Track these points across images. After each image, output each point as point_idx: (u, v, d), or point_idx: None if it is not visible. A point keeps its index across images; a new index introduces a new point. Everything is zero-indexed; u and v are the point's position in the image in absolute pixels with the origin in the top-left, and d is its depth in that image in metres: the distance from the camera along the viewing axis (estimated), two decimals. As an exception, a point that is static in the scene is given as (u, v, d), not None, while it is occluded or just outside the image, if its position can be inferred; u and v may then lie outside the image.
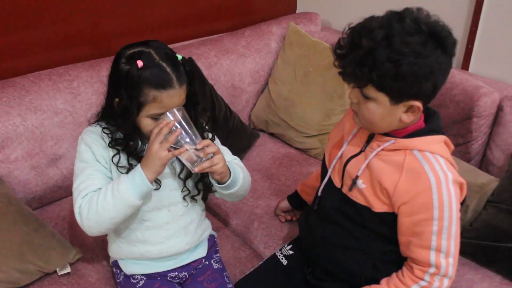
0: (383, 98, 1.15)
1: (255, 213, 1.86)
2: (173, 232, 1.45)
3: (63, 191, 1.85)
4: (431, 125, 1.26)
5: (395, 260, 1.33)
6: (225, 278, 1.53)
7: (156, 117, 1.26)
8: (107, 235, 1.51)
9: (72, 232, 1.71)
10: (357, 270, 1.37)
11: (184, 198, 1.44)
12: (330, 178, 1.40)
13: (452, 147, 1.29)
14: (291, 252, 1.57)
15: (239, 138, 2.13)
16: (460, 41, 2.20)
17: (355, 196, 1.31)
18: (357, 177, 1.29)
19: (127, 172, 1.31)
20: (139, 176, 1.25)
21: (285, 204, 1.79)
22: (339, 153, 1.37)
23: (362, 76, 1.12)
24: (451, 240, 1.21)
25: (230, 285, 1.51)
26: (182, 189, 1.43)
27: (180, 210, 1.44)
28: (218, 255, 1.60)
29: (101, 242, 1.65)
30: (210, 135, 1.47)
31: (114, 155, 1.33)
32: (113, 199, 1.25)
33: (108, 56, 1.97)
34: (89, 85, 1.84)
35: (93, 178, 1.31)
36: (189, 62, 1.33)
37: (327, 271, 1.44)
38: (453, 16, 2.06)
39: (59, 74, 1.83)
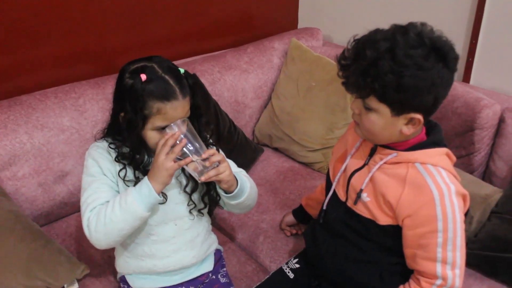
0: (384, 109, 1.17)
1: (260, 227, 1.87)
2: (179, 246, 1.45)
3: (69, 208, 1.86)
4: (432, 137, 1.28)
5: (402, 272, 1.33)
6: None
7: (161, 129, 1.29)
8: (114, 250, 1.52)
9: (80, 248, 1.72)
10: (363, 282, 1.37)
11: (190, 212, 1.45)
12: (334, 191, 1.42)
13: (454, 159, 1.30)
14: (297, 265, 1.57)
15: (244, 153, 2.14)
16: (461, 53, 2.21)
17: (359, 209, 1.32)
18: (361, 190, 1.30)
19: (134, 186, 1.32)
20: (146, 187, 1.26)
21: (290, 218, 1.80)
22: (343, 167, 1.39)
23: (365, 86, 1.14)
24: (457, 252, 1.21)
25: None
26: (188, 203, 1.44)
27: (186, 224, 1.45)
28: (224, 269, 1.61)
29: (108, 258, 1.66)
30: (214, 148, 1.47)
31: (120, 170, 1.35)
32: (121, 211, 1.26)
33: (113, 73, 1.97)
34: (94, 102, 1.86)
35: (100, 191, 1.33)
36: (191, 76, 1.35)
37: (334, 283, 1.44)
38: (453, 29, 2.08)
39: (65, 91, 1.85)
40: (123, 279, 1.52)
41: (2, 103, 1.75)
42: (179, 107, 1.28)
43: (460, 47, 2.19)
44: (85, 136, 1.83)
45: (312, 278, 1.52)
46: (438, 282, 1.24)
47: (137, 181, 1.34)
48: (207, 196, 1.47)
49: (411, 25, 1.15)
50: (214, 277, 1.56)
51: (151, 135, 1.30)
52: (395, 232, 1.27)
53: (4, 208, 1.55)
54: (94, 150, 1.38)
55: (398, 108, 1.17)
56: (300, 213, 1.76)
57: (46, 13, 1.87)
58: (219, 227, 1.94)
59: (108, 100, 1.85)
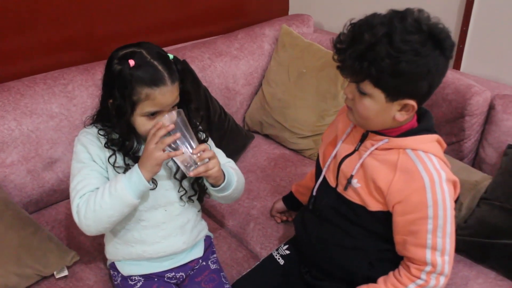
0: (379, 94, 1.17)
1: (251, 214, 1.87)
2: (169, 231, 1.45)
3: (59, 195, 1.85)
4: (423, 124, 1.28)
5: (391, 259, 1.34)
6: (223, 279, 1.54)
7: (150, 115, 1.29)
8: (103, 237, 1.52)
9: (69, 235, 1.71)
10: (353, 268, 1.38)
11: (180, 198, 1.45)
12: (324, 177, 1.42)
13: (445, 145, 1.31)
14: (287, 252, 1.58)
15: (234, 139, 2.13)
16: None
17: (350, 195, 1.32)
18: (351, 176, 1.30)
19: (124, 172, 1.32)
20: (136, 175, 1.26)
21: (280, 205, 1.80)
22: (333, 153, 1.39)
23: (361, 70, 1.14)
24: (447, 238, 1.22)
25: (227, 286, 1.52)
26: (179, 189, 1.44)
27: (176, 209, 1.45)
28: (215, 255, 1.61)
29: (98, 245, 1.66)
30: (204, 135, 1.48)
31: (110, 156, 1.35)
32: (111, 198, 1.26)
33: (102, 59, 1.96)
34: (84, 89, 1.85)
35: (90, 177, 1.33)
36: (180, 62, 1.35)
37: (324, 270, 1.45)
38: (444, 16, 2.06)
39: (54, 78, 1.83)
40: (113, 266, 1.52)
41: (-10, 89, 1.74)
42: (168, 92, 1.27)
43: (451, 34, 2.19)
44: (74, 123, 1.81)
45: (302, 264, 1.53)
46: (428, 268, 1.24)
47: (127, 168, 1.34)
48: (196, 184, 1.47)
49: (408, 10, 1.14)
50: (204, 263, 1.56)
51: (140, 121, 1.30)
52: (385, 218, 1.28)
53: (-8, 195, 1.54)
54: (83, 136, 1.38)
55: (393, 94, 1.16)
56: (290, 200, 1.76)
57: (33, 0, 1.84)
58: (210, 214, 1.94)
59: (97, 86, 1.84)
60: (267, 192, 1.98)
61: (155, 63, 1.27)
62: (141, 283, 1.47)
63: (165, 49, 1.36)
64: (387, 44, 1.09)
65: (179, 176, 1.42)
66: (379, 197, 1.26)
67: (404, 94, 1.16)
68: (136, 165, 1.28)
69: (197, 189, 1.48)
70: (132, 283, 1.47)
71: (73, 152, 1.38)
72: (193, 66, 2.10)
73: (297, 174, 2.06)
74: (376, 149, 1.27)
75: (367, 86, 1.17)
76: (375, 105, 1.19)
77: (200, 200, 1.54)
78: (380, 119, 1.22)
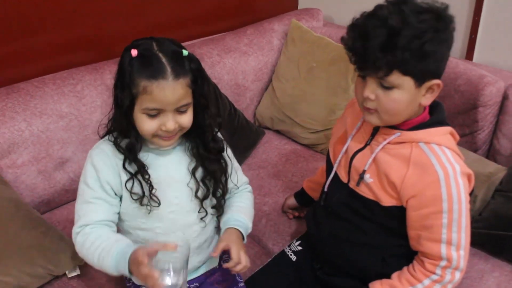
0: (408, 82, 1.14)
1: (262, 211, 1.86)
2: None
3: (70, 194, 1.85)
4: (435, 116, 1.25)
5: (405, 254, 1.32)
6: (237, 277, 1.51)
7: (151, 114, 1.19)
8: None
9: (81, 234, 1.71)
10: (366, 265, 1.36)
11: (201, 219, 1.38)
12: (336, 173, 1.40)
13: (458, 138, 1.29)
14: (299, 248, 1.57)
15: (245, 136, 2.13)
16: (463, 31, 2.18)
17: (362, 190, 1.30)
18: (364, 171, 1.28)
19: (140, 201, 1.28)
20: (124, 270, 1.19)
21: (292, 201, 1.79)
22: (344, 148, 1.37)
23: (387, 62, 1.11)
24: (462, 233, 1.20)
25: (241, 283, 1.50)
26: (199, 210, 1.37)
27: (194, 232, 1.39)
28: (226, 255, 1.59)
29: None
30: (222, 144, 1.39)
31: (127, 180, 1.27)
32: (99, 264, 1.24)
33: (112, 58, 1.97)
34: (93, 88, 1.85)
35: (93, 206, 1.28)
36: (195, 60, 1.24)
37: (337, 266, 1.43)
38: (456, 6, 2.04)
39: (63, 78, 1.84)
40: (126, 269, 1.50)
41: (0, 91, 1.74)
42: (168, 88, 1.16)
43: (463, 24, 2.16)
44: (84, 122, 1.81)
45: (315, 261, 1.51)
46: (443, 263, 1.22)
47: (143, 196, 1.27)
48: (217, 202, 1.41)
49: None
50: (216, 266, 1.53)
51: (140, 119, 1.21)
52: (399, 213, 1.26)
53: (4, 196, 1.55)
54: (96, 155, 1.29)
55: (421, 78, 1.14)
56: (301, 196, 1.75)
57: (43, 1, 1.84)
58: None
59: (106, 86, 1.84)
60: (279, 188, 1.96)
61: (160, 55, 1.17)
62: None
63: (173, 46, 1.31)
64: (408, 29, 1.08)
65: (200, 195, 1.35)
66: (392, 192, 1.24)
67: (430, 75, 1.15)
68: (128, 260, 1.18)
69: (219, 207, 1.42)
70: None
71: (83, 169, 1.30)
72: (202, 63, 2.05)
73: (308, 169, 2.05)
74: (388, 143, 1.25)
75: (394, 77, 1.13)
76: (405, 94, 1.15)
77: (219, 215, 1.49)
78: (410, 108, 1.20)
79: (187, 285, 1.44)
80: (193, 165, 1.34)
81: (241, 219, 1.41)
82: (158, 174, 1.30)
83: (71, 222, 1.73)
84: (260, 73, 2.34)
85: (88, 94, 1.84)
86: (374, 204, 1.28)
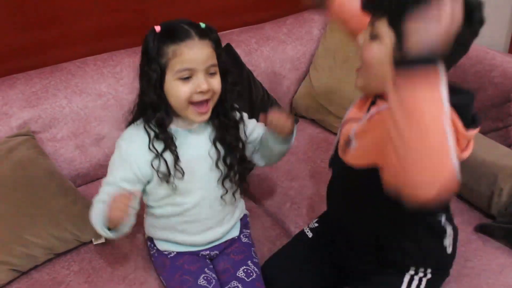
0: (389, 38, 1.09)
1: (288, 194, 1.89)
2: (210, 225, 1.49)
3: (105, 169, 1.88)
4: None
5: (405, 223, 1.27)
6: (252, 253, 1.56)
7: (184, 77, 1.25)
8: (144, 211, 1.57)
9: (111, 207, 1.79)
10: (377, 232, 1.32)
11: (221, 197, 1.46)
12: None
13: (461, 130, 1.08)
14: (316, 225, 1.58)
15: (277, 122, 2.16)
16: (508, 25, 2.12)
17: (348, 159, 1.26)
18: (349, 138, 1.25)
19: (166, 180, 1.35)
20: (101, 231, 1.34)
21: None
22: (343, 119, 1.36)
23: (383, 3, 1.09)
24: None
25: (256, 260, 1.54)
26: (223, 182, 1.45)
27: (220, 205, 1.47)
28: (248, 231, 1.64)
29: (138, 216, 1.72)
30: (238, 115, 1.46)
31: (153, 159, 1.33)
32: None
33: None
34: (131, 70, 1.94)
35: (111, 187, 1.38)
36: (214, 30, 1.32)
37: (346, 240, 1.42)
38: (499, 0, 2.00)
39: (103, 59, 1.94)
40: (150, 239, 1.57)
41: (45, 70, 1.86)
42: (196, 46, 1.24)
43: (507, 18, 2.10)
44: (121, 102, 1.90)
45: (328, 234, 1.51)
46: None
47: (169, 175, 1.34)
48: (239, 176, 1.48)
49: None
50: (236, 237, 1.59)
51: (175, 86, 1.27)
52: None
53: (41, 166, 1.65)
54: (125, 143, 1.37)
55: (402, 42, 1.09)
56: None
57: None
58: (248, 193, 1.97)
59: (143, 68, 1.92)
60: (306, 173, 1.99)
61: (182, 24, 1.27)
62: (174, 253, 1.52)
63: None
64: None
65: (221, 166, 1.42)
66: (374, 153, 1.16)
67: None
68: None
69: (239, 182, 1.49)
70: (166, 253, 1.52)
71: (114, 153, 1.40)
72: (238, 50, 2.14)
73: (338, 157, 2.05)
74: (377, 113, 1.21)
75: (381, 25, 1.10)
76: (382, 51, 1.11)
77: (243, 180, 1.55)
78: (384, 70, 1.06)
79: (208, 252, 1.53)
80: (214, 135, 1.41)
81: None
82: (186, 151, 1.37)
83: (102, 195, 1.84)
84: (297, 62, 2.37)
85: (126, 75, 1.93)
86: (359, 172, 1.22)
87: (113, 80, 1.91)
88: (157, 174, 1.35)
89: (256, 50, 2.24)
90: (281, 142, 1.48)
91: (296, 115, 2.38)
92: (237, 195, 1.53)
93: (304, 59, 2.39)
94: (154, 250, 1.56)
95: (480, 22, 1.08)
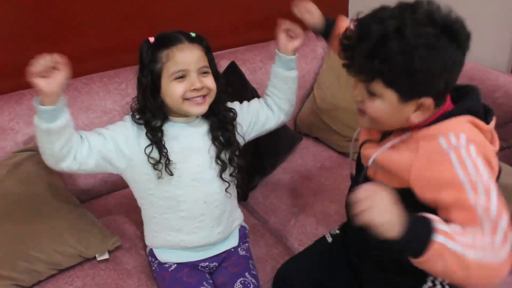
0: (391, 95, 1.09)
1: (292, 212, 1.89)
2: (206, 222, 1.50)
3: (110, 186, 1.95)
4: (458, 106, 1.13)
5: None
6: (250, 265, 1.57)
7: (178, 76, 1.34)
8: (143, 224, 1.59)
9: (114, 223, 1.79)
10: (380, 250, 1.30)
11: (225, 190, 1.50)
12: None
13: (485, 127, 1.12)
14: (337, 231, 1.57)
15: (281, 139, 2.16)
16: (510, 44, 2.14)
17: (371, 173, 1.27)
18: (367, 167, 1.25)
19: (154, 165, 1.39)
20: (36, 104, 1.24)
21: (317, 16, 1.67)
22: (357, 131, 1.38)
23: (371, 69, 1.07)
24: (492, 198, 1.02)
25: (254, 272, 1.55)
26: (219, 175, 1.48)
27: (215, 201, 1.49)
28: (246, 244, 1.65)
29: (141, 233, 1.73)
30: (231, 114, 1.51)
31: (147, 146, 1.39)
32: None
33: (157, 61, 2.07)
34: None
35: (98, 134, 1.40)
36: (204, 39, 1.42)
37: (364, 248, 1.41)
38: (500, 19, 2.01)
39: (109, 76, 1.96)
40: (151, 253, 1.59)
41: (51, 86, 1.87)
42: (186, 49, 1.35)
43: (510, 38, 2.11)
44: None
45: (347, 241, 1.50)
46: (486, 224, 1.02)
47: (158, 163, 1.39)
48: (235, 160, 1.50)
49: (418, 3, 1.07)
50: (233, 250, 1.61)
51: (171, 87, 1.35)
52: (410, 195, 1.14)
53: (46, 182, 1.66)
54: (127, 121, 1.44)
55: (407, 94, 1.08)
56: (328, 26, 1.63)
57: (96, 5, 1.97)
58: (252, 210, 1.98)
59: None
60: (310, 190, 1.99)
61: (173, 32, 1.39)
62: (175, 265, 1.53)
63: (219, 52, 1.44)
64: (398, 39, 1.02)
65: (219, 160, 1.47)
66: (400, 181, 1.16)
67: (419, 93, 1.07)
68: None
69: (237, 176, 1.53)
70: (167, 265, 1.54)
71: (115, 123, 1.46)
72: (243, 68, 2.16)
73: (342, 175, 2.06)
74: (400, 142, 1.18)
75: (377, 86, 1.09)
76: (387, 107, 1.11)
77: (244, 199, 1.57)
78: (394, 121, 1.14)
79: (207, 263, 1.55)
80: (211, 132, 1.47)
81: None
82: (181, 144, 1.43)
83: (107, 212, 1.86)
84: (302, 80, 2.37)
85: (132, 92, 1.94)
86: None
87: (119, 97, 1.93)
88: (148, 160, 1.39)
89: (261, 68, 2.25)
90: (286, 66, 1.58)
91: (300, 133, 2.39)
92: (232, 191, 1.56)
93: (309, 77, 2.40)
94: (155, 265, 1.57)
95: (468, 36, 1.08)
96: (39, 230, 1.53)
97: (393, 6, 1.09)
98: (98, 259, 1.61)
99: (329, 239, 1.56)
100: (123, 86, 1.94)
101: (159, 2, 2.13)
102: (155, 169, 1.39)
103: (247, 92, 2.07)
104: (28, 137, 1.75)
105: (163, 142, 1.40)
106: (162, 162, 1.39)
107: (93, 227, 1.62)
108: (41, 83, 1.19)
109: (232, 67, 2.08)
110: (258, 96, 2.09)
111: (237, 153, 1.50)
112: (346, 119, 2.21)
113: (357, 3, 2.78)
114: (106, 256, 1.61)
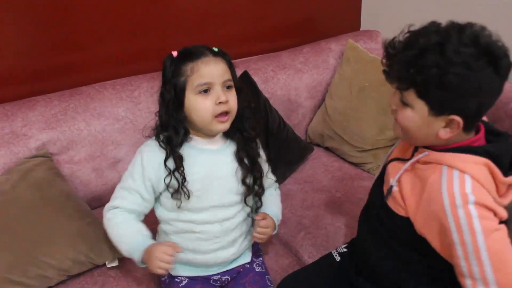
0: (422, 106, 1.12)
1: (302, 223, 1.89)
2: (222, 245, 1.49)
3: (120, 193, 1.96)
4: (487, 146, 1.16)
5: (424, 273, 1.29)
6: (267, 281, 1.55)
7: (203, 89, 1.33)
8: (156, 235, 1.58)
9: (125, 230, 1.79)
10: (399, 281, 1.32)
11: (239, 212, 1.50)
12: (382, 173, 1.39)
13: (498, 173, 1.13)
14: (345, 250, 1.57)
15: (292, 149, 2.16)
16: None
17: (389, 202, 1.28)
18: (391, 187, 1.27)
19: (174, 194, 1.40)
20: (135, 258, 1.39)
21: None
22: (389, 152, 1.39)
23: (407, 77, 1.10)
24: (485, 267, 1.09)
25: (270, 287, 1.54)
26: (241, 201, 1.49)
27: (232, 225, 1.49)
28: (260, 259, 1.63)
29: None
30: (258, 131, 1.55)
31: (166, 176, 1.39)
32: (116, 243, 1.44)
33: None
34: (149, 95, 1.96)
35: (129, 195, 1.43)
36: (227, 54, 1.42)
37: (368, 269, 1.41)
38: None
39: (122, 84, 1.96)
40: (162, 265, 1.58)
41: (64, 93, 1.88)
42: (211, 62, 1.34)
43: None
44: (138, 126, 1.91)
45: (354, 260, 1.50)
46: None
47: (178, 191, 1.39)
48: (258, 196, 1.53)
49: (469, 24, 1.09)
50: (248, 266, 1.59)
51: (196, 101, 1.34)
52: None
53: (58, 188, 1.67)
54: (147, 150, 1.43)
55: (437, 108, 1.11)
56: None
57: (112, 14, 1.99)
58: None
59: (162, 93, 1.95)
60: (321, 202, 1.98)
61: (196, 46, 1.38)
62: (186, 281, 1.52)
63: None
64: (438, 53, 1.05)
65: (242, 177, 1.46)
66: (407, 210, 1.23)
67: (450, 110, 1.10)
68: (141, 255, 1.37)
69: (258, 200, 1.54)
70: (178, 280, 1.52)
71: (133, 158, 1.45)
72: (256, 78, 2.16)
73: (353, 187, 2.05)
74: (417, 161, 1.22)
75: (410, 96, 1.13)
76: (417, 118, 1.14)
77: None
78: (422, 133, 1.17)
79: (219, 277, 1.54)
80: (238, 152, 1.46)
81: (273, 210, 1.57)
82: (201, 169, 1.41)
83: (117, 218, 1.85)
84: (313, 90, 2.38)
85: (144, 100, 1.95)
86: (399, 219, 1.25)
87: (131, 104, 1.93)
88: (167, 189, 1.40)
89: (273, 78, 2.26)
90: None
91: (311, 143, 2.38)
92: (249, 218, 1.55)
93: (320, 87, 2.40)
94: (166, 277, 1.55)
95: (508, 66, 1.09)
96: (50, 236, 1.53)
97: (445, 23, 1.12)
98: (108, 266, 1.61)
99: (337, 258, 1.56)
100: (136, 93, 1.95)
101: (172, 11, 2.14)
102: (173, 198, 1.40)
103: (260, 102, 2.07)
104: (40, 143, 1.76)
105: (183, 173, 1.39)
106: (181, 191, 1.39)
107: (103, 234, 1.61)
108: (163, 271, 1.34)
109: (245, 76, 2.08)
110: (270, 106, 2.10)
111: (259, 174, 1.50)
112: (357, 129, 2.20)
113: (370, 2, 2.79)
114: (116, 263, 1.61)
